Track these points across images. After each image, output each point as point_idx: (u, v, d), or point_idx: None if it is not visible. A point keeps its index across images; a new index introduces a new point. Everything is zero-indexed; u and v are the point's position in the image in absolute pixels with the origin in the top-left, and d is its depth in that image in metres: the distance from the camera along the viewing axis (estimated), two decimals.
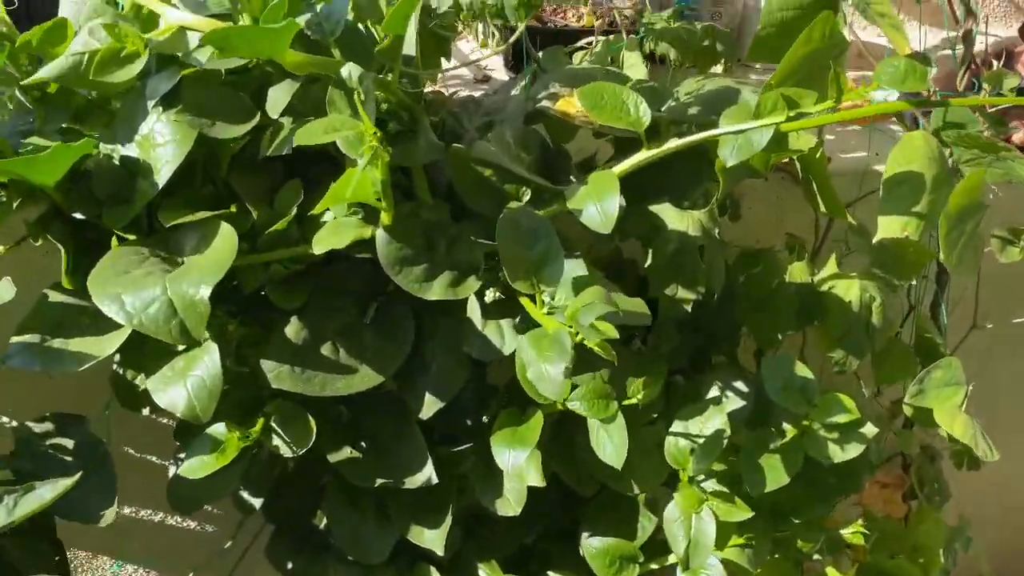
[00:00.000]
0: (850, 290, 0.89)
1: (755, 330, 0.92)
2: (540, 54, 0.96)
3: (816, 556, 0.99)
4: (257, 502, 0.94)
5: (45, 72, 0.65)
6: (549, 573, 0.99)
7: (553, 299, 0.72)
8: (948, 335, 1.09)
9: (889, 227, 0.75)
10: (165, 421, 0.94)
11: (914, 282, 1.06)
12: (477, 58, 1.08)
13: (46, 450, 0.77)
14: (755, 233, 1.01)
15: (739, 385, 0.91)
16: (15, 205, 0.73)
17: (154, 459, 1.01)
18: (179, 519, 1.08)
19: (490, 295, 0.75)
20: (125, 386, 0.82)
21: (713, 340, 0.96)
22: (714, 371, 0.94)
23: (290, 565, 0.99)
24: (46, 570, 0.72)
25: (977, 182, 0.74)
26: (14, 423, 0.79)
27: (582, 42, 0.96)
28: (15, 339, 0.74)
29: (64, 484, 0.65)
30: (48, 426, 0.78)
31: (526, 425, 0.80)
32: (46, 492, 0.64)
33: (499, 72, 1.12)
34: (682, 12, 1.05)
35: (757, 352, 0.99)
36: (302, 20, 0.67)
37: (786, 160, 0.88)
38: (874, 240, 0.75)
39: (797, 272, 0.90)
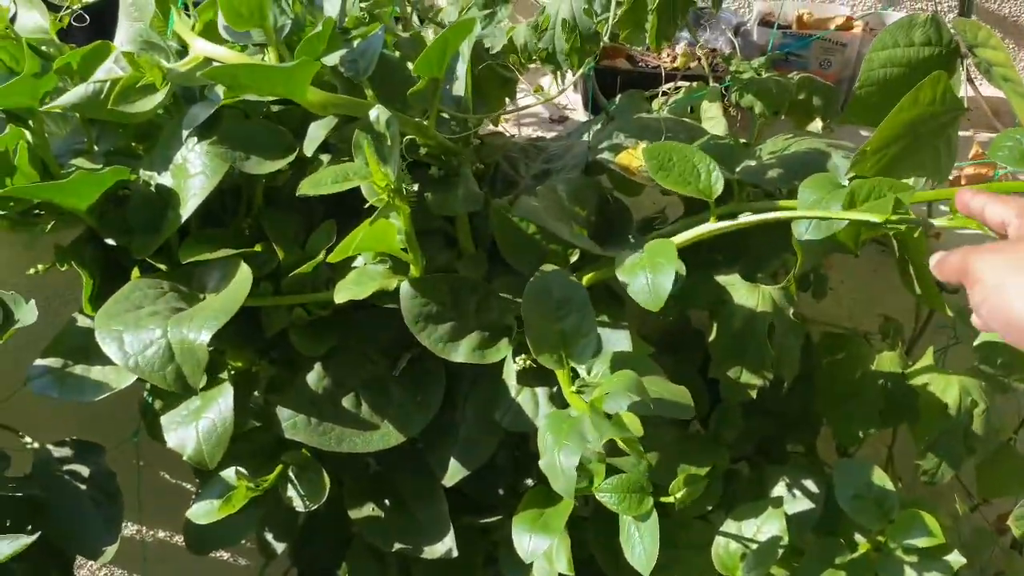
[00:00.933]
0: (948, 390, 0.76)
1: (834, 424, 0.81)
2: (617, 98, 0.88)
3: None
4: (281, 547, 0.90)
5: (66, 99, 0.63)
6: None
7: (589, 373, 0.65)
8: None
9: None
10: None
11: None
12: (535, 102, 1.00)
13: (62, 475, 0.76)
14: (846, 311, 0.89)
15: (810, 484, 0.80)
16: (48, 228, 0.72)
17: (188, 486, 0.99)
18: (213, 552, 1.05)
19: (520, 363, 0.68)
20: (153, 416, 0.79)
21: (786, 428, 0.85)
22: (784, 464, 0.83)
23: None
24: None
25: None
26: (36, 444, 0.78)
27: (665, 87, 0.88)
28: (39, 362, 0.73)
29: (22, 542, 0.62)
30: (67, 451, 0.77)
31: (554, 508, 0.73)
32: (4, 547, 0.61)
33: (578, 112, 1.05)
34: (785, 58, 0.96)
35: (839, 447, 0.87)
36: (336, 57, 0.63)
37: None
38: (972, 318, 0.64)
39: (887, 362, 0.79)
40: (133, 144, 0.78)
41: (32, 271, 0.77)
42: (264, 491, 0.75)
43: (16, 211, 0.74)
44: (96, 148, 0.77)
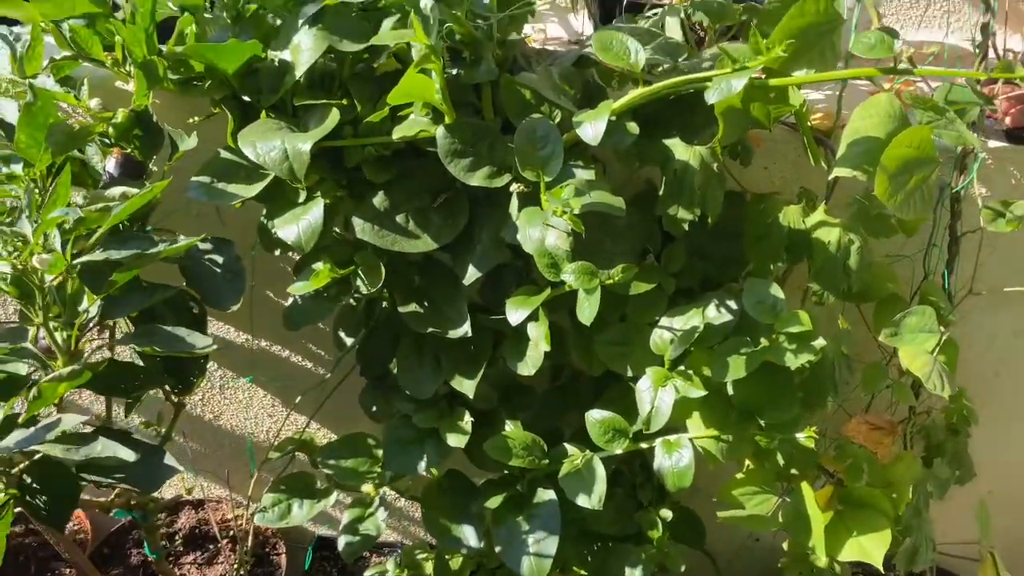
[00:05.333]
0: (832, 232, 1.04)
1: (752, 260, 1.10)
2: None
3: (793, 471, 1.14)
4: (349, 341, 1.24)
5: None
6: (564, 444, 1.20)
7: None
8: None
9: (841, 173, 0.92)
10: (290, 268, 1.25)
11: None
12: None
13: (204, 260, 1.10)
14: (776, 186, 1.17)
15: (731, 304, 1.08)
16: (207, 86, 1.07)
17: (284, 302, 1.33)
18: (298, 357, 1.41)
19: (516, 187, 0.99)
20: (266, 232, 1.13)
21: (720, 267, 1.14)
22: (715, 292, 1.12)
23: (374, 408, 1.28)
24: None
25: (919, 137, 0.89)
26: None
27: (650, 12, 1.18)
28: (194, 179, 1.07)
29: (173, 290, 0.97)
30: (208, 245, 1.11)
31: (537, 296, 1.04)
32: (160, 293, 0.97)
33: None
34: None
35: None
36: None
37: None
38: (828, 177, 0.92)
39: (791, 213, 1.07)
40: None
41: (191, 120, 1.13)
42: (341, 276, 1.08)
43: (185, 76, 1.09)
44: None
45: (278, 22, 1.08)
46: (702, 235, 1.09)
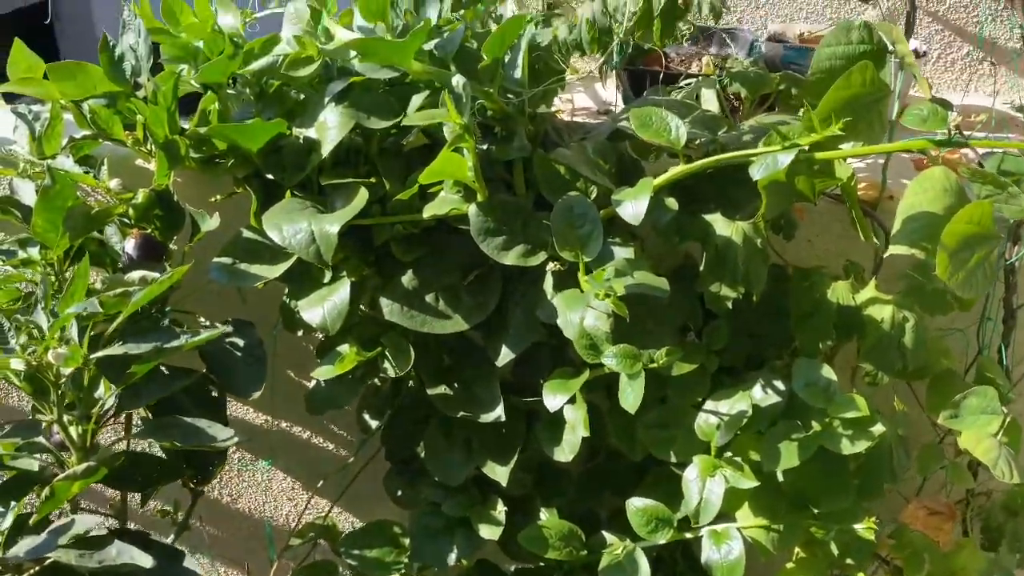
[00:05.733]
0: (884, 309, 0.99)
1: (799, 338, 1.05)
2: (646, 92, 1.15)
3: (849, 561, 1.07)
4: (375, 424, 1.18)
5: (255, 66, 0.95)
6: (603, 532, 1.14)
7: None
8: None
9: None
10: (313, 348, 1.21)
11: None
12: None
13: (225, 344, 1.06)
14: (820, 259, 1.13)
15: (778, 384, 1.03)
16: (229, 165, 1.03)
17: (306, 383, 1.28)
18: (320, 439, 1.35)
19: (552, 266, 0.95)
20: (289, 312, 1.09)
21: (765, 346, 1.09)
22: (760, 372, 1.07)
23: (399, 494, 1.22)
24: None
25: (979, 213, 0.85)
26: (207, 322, 1.09)
27: (682, 82, 1.15)
28: (216, 260, 1.03)
29: (193, 377, 0.92)
30: (229, 328, 1.07)
31: (575, 380, 0.98)
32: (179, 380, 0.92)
33: (619, 107, 1.32)
34: (788, 67, 1.20)
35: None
36: (432, 44, 0.92)
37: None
38: (884, 255, 0.88)
39: (839, 290, 1.02)
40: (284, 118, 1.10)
41: (213, 199, 1.09)
42: (367, 360, 1.03)
43: (207, 154, 1.05)
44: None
45: (301, 96, 1.06)
46: (745, 311, 1.04)
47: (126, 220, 1.05)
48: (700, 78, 1.12)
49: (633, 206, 0.88)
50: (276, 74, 0.95)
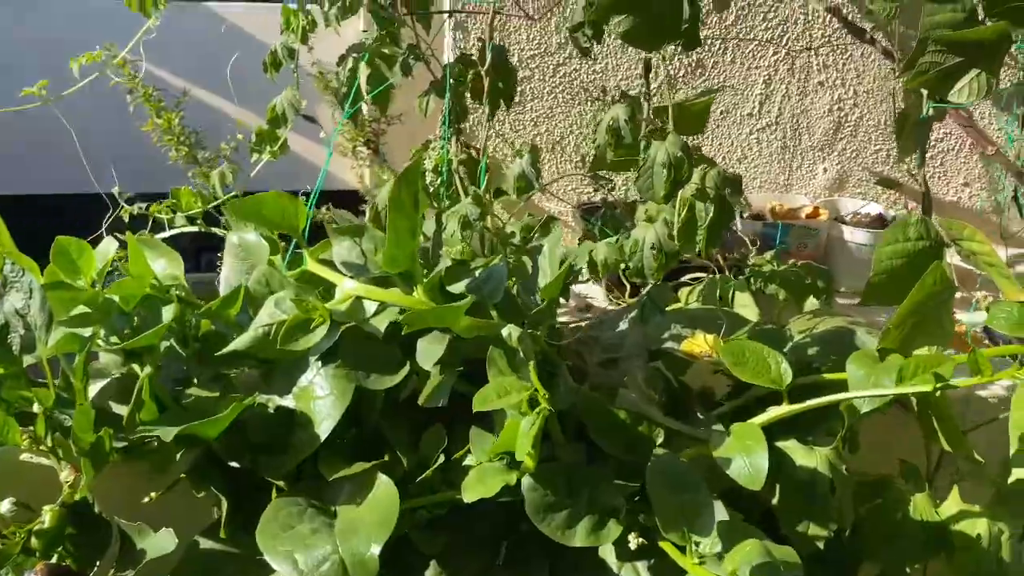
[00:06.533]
0: (977, 523, 0.88)
1: (884, 562, 0.92)
2: (644, 289, 1.01)
3: None
4: None
5: (237, 344, 0.71)
6: None
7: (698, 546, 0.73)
8: None
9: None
10: None
11: None
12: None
13: None
14: (864, 456, 1.02)
15: None
16: (179, 455, 0.77)
17: None
18: None
19: (634, 541, 0.76)
20: None
21: (834, 572, 0.95)
22: None
23: None
24: None
25: None
26: None
27: (686, 278, 1.02)
28: None
29: None
30: None
31: None
32: None
33: (598, 299, 1.18)
34: (772, 245, 1.12)
35: None
36: (462, 285, 0.73)
37: None
38: (1009, 481, 0.77)
39: (921, 505, 0.91)
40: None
41: (146, 500, 0.81)
42: None
43: (137, 439, 0.78)
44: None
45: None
46: None
47: (28, 549, 0.75)
48: (713, 275, 0.99)
49: (748, 465, 0.72)
50: (270, 350, 0.71)
